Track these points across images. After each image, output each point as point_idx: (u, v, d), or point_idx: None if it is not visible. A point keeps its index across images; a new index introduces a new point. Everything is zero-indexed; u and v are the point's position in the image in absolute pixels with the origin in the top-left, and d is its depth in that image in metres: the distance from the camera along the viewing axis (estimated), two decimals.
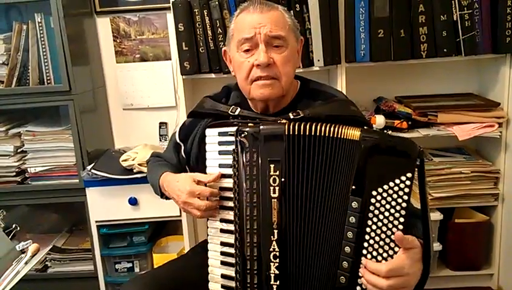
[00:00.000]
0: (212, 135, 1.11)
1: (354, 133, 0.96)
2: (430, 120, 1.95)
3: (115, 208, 1.93)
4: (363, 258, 0.94)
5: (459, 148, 2.16)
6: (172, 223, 2.08)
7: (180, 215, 1.95)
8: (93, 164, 1.94)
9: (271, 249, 1.01)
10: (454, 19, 1.85)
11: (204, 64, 1.90)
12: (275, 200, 1.00)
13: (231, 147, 1.07)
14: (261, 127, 1.03)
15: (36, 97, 1.94)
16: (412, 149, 0.91)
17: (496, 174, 2.00)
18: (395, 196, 0.91)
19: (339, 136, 0.98)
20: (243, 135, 1.03)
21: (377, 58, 1.89)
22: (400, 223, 0.91)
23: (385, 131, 1.89)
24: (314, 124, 1.00)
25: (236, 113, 1.18)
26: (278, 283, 1.01)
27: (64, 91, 1.92)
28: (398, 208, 0.91)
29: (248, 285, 1.03)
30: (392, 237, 0.91)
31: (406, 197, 0.90)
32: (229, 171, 1.08)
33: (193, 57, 1.89)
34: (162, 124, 2.23)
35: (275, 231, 1.00)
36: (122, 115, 2.26)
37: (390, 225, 0.92)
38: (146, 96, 2.22)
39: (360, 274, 0.95)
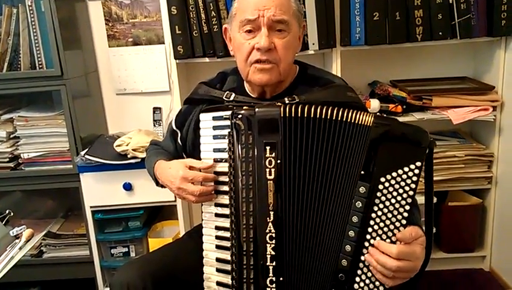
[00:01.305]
0: (206, 120, 1.11)
1: (366, 119, 0.95)
2: (425, 104, 1.95)
3: (109, 194, 1.92)
4: (366, 242, 0.95)
5: (453, 132, 2.17)
6: (168, 208, 2.09)
7: (175, 201, 1.95)
8: (86, 150, 1.93)
9: (267, 231, 1.01)
10: (450, 1, 1.84)
11: (198, 48, 1.88)
12: (271, 182, 1.00)
13: (226, 132, 1.06)
14: (257, 109, 1.02)
15: (28, 82, 1.92)
16: (424, 138, 0.92)
17: (489, 157, 2.01)
18: (402, 183, 0.91)
19: (346, 119, 0.97)
20: (238, 118, 1.03)
21: (372, 42, 1.88)
22: (405, 210, 0.92)
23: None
24: (313, 107, 0.99)
25: (231, 98, 1.17)
26: (274, 264, 1.02)
27: (56, 76, 1.90)
28: (404, 195, 0.92)
29: (244, 266, 1.03)
30: (397, 223, 0.92)
31: (413, 186, 0.91)
32: (224, 155, 1.08)
33: (186, 40, 1.87)
34: (156, 109, 2.22)
35: (271, 213, 1.01)
36: (116, 100, 2.24)
37: (395, 212, 0.92)
38: (139, 81, 2.20)
39: (362, 258, 0.96)
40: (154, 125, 2.20)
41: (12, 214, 1.46)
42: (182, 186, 1.11)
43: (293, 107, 1.00)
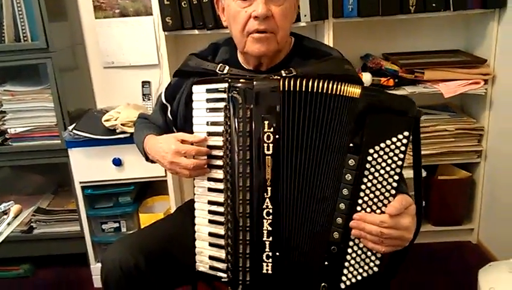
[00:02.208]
0: (199, 92, 1.08)
1: (354, 91, 0.94)
2: (417, 77, 1.94)
3: (99, 169, 1.91)
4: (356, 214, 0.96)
5: (444, 105, 2.17)
6: (158, 183, 2.08)
7: (165, 176, 1.94)
8: (74, 124, 1.90)
9: (264, 207, 1.01)
10: None
11: (187, 19, 1.84)
12: (269, 157, 0.99)
13: (220, 104, 1.04)
14: (255, 82, 1.00)
15: (12, 55, 1.87)
16: (411, 108, 0.91)
17: (479, 131, 2.02)
18: (391, 154, 0.91)
19: (338, 92, 0.95)
20: (235, 91, 1.00)
21: (365, 14, 1.85)
22: (394, 180, 0.92)
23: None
24: (310, 80, 0.97)
25: (225, 71, 1.14)
26: (270, 239, 1.02)
27: (41, 48, 1.85)
28: (393, 166, 0.91)
29: (240, 241, 1.03)
30: (386, 194, 0.93)
31: (401, 156, 0.91)
32: (217, 129, 1.06)
33: (175, 11, 1.83)
34: (145, 83, 2.18)
35: (268, 189, 1.00)
36: (103, 73, 2.20)
37: (385, 183, 0.92)
38: (127, 54, 2.15)
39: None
40: (143, 100, 2.16)
41: None
42: (175, 160, 1.10)
43: (292, 80, 0.97)
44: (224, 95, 1.03)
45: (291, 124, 0.98)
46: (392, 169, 0.92)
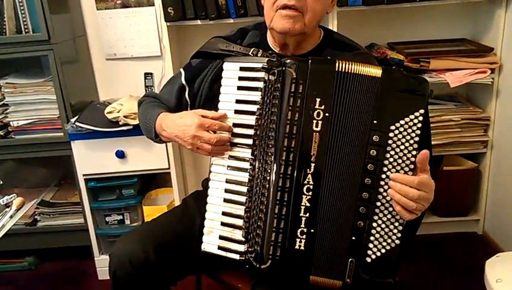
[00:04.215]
0: (231, 70, 1.10)
1: (376, 71, 1.00)
2: (423, 66, 1.91)
3: (102, 161, 1.90)
4: (381, 188, 1.00)
5: (450, 96, 2.14)
6: (162, 175, 2.07)
7: (168, 168, 1.93)
8: (77, 117, 1.89)
9: (305, 182, 1.01)
10: None
11: (189, 9, 1.82)
12: (317, 133, 1.00)
13: (252, 84, 1.06)
14: (310, 61, 1.01)
15: (14, 47, 1.86)
16: (425, 87, 0.98)
17: (486, 121, 2.00)
18: (409, 130, 0.98)
19: (368, 74, 1.00)
20: (289, 66, 1.01)
21: (369, 2, 1.83)
22: (412, 155, 0.98)
23: None
24: (360, 64, 1.00)
25: (259, 55, 1.14)
26: (307, 215, 1.01)
27: (43, 40, 1.84)
28: (411, 141, 0.98)
29: (275, 216, 1.02)
30: (406, 168, 0.98)
31: (418, 132, 0.97)
32: (245, 107, 1.08)
33: (177, 2, 1.81)
34: (148, 75, 2.16)
35: (312, 164, 1.01)
36: (106, 65, 2.18)
37: (405, 158, 0.98)
38: (130, 46, 2.13)
39: (378, 204, 0.99)
40: (146, 92, 2.15)
41: (1, 183, 1.43)
42: (198, 134, 1.09)
43: (347, 62, 1.00)
44: (259, 74, 1.05)
45: (339, 103, 1.00)
46: (410, 145, 0.98)
